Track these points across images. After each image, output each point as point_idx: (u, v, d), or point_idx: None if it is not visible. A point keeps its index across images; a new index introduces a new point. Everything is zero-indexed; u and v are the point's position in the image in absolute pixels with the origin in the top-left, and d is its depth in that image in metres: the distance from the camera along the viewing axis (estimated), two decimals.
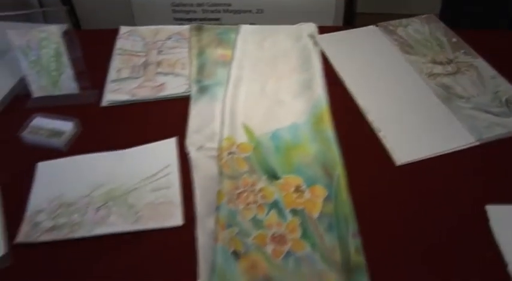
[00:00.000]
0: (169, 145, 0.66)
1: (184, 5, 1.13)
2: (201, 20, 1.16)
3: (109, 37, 0.88)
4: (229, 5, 1.12)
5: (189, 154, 0.65)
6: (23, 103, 0.78)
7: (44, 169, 0.67)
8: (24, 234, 0.58)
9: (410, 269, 0.53)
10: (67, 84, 0.74)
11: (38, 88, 0.74)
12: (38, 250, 0.58)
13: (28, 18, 1.25)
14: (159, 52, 0.82)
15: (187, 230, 0.58)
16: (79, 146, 0.70)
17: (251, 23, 0.89)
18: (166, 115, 0.73)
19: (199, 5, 1.13)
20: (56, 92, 0.75)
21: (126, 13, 1.16)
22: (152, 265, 0.55)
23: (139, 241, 0.57)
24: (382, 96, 0.71)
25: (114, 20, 1.02)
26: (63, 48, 0.70)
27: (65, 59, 0.71)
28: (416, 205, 0.59)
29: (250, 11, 1.12)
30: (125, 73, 0.78)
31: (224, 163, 0.63)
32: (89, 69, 0.78)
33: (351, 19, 1.10)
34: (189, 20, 1.16)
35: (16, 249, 0.57)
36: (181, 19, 1.15)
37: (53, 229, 0.59)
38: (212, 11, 1.13)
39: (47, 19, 1.24)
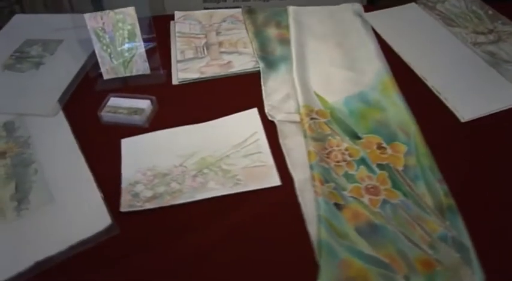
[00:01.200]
0: (252, 114, 0.71)
1: None
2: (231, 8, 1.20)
3: (160, 22, 0.91)
4: None
5: (273, 121, 0.70)
6: (90, 85, 0.80)
7: (129, 144, 0.70)
8: (127, 204, 0.62)
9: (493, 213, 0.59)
10: (139, 65, 0.77)
11: (110, 70, 0.77)
12: (141, 218, 0.61)
13: (56, 6, 1.26)
14: (218, 33, 0.86)
15: (285, 189, 0.62)
16: (157, 122, 0.73)
17: None
18: (237, 89, 0.77)
19: None
20: (127, 73, 0.78)
21: (155, 1, 1.19)
22: (260, 222, 0.59)
23: (242, 202, 0.61)
24: (436, 64, 0.78)
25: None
26: (137, 30, 0.73)
27: (139, 40, 0.74)
28: (485, 156, 0.65)
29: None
30: (189, 54, 0.82)
31: (308, 127, 0.68)
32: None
33: (374, 2, 1.17)
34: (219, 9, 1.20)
35: (120, 218, 0.60)
36: (212, 8, 1.18)
37: (154, 197, 0.62)
38: (243, 0, 1.17)
39: (73, 7, 1.26)
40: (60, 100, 0.78)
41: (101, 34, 0.74)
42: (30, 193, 0.67)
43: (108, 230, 0.60)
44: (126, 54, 0.75)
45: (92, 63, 0.84)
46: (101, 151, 0.70)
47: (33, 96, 0.81)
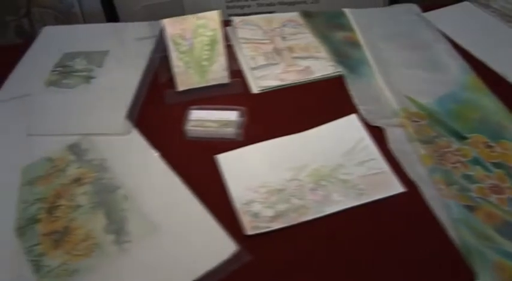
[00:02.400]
0: (352, 121, 0.68)
1: (238, 0, 1.12)
2: (255, 14, 1.16)
3: None
4: None
5: (373, 126, 0.67)
6: (156, 98, 0.75)
7: (227, 160, 0.65)
8: (251, 226, 0.56)
9: None
10: (218, 74, 0.71)
11: (184, 81, 0.71)
12: (265, 239, 0.56)
13: (68, 20, 1.16)
14: (283, 38, 0.82)
15: (409, 195, 0.59)
16: (247, 134, 0.68)
17: None
18: (320, 95, 0.74)
19: None
20: (203, 84, 0.72)
21: (175, 7, 1.12)
22: (395, 230, 0.56)
23: (369, 212, 0.58)
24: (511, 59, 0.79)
25: (162, 14, 0.99)
26: (220, 36, 0.67)
27: (221, 47, 0.68)
28: None
29: (305, 2, 1.14)
30: (260, 60, 0.78)
31: (414, 131, 0.66)
32: None
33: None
34: (243, 15, 1.15)
35: (243, 242, 0.55)
36: (235, 15, 1.14)
37: (277, 216, 0.58)
38: (267, 5, 1.14)
39: (85, 20, 1.17)
40: (128, 116, 0.71)
41: (178, 41, 0.68)
42: (127, 223, 0.60)
43: (236, 257, 0.55)
44: (205, 62, 0.70)
45: (151, 73, 0.78)
46: (193, 169, 0.64)
47: (96, 114, 0.73)
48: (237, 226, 0.57)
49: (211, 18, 0.68)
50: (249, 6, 1.15)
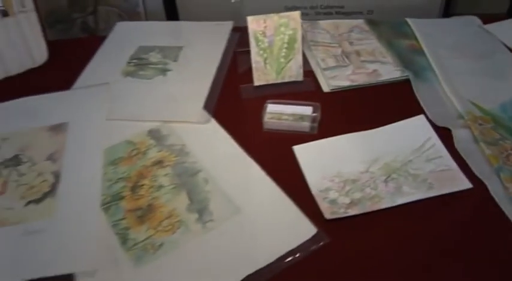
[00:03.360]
0: (420, 121, 0.71)
1: (297, 8, 1.17)
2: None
3: None
4: (342, 7, 1.18)
5: (440, 126, 0.70)
6: (231, 92, 0.79)
7: (303, 151, 0.69)
8: (329, 211, 0.60)
9: None
10: (293, 71, 0.76)
11: (261, 76, 0.75)
12: (341, 224, 0.59)
13: (131, 18, 1.22)
14: (350, 43, 0.87)
15: (476, 191, 0.62)
16: (320, 129, 0.72)
17: None
18: (387, 97, 0.78)
19: (312, 7, 1.19)
20: (278, 80, 0.77)
21: (234, 12, 1.18)
22: (465, 225, 0.59)
23: (439, 206, 0.61)
24: None
25: (221, 17, 1.05)
26: (299, 34, 0.72)
27: (299, 45, 0.73)
28: None
29: (361, 13, 1.18)
30: (330, 62, 0.83)
31: (479, 133, 0.69)
32: None
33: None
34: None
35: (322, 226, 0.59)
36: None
37: (353, 204, 0.61)
38: (325, 13, 1.18)
39: (148, 18, 1.22)
40: (205, 107, 0.75)
41: (260, 38, 0.72)
42: (210, 204, 0.63)
43: (316, 239, 0.58)
44: (282, 60, 0.74)
45: (226, 69, 0.84)
46: (270, 158, 0.68)
47: (174, 104, 0.79)
48: (315, 211, 0.61)
49: (293, 18, 0.73)
50: (307, 14, 1.20)
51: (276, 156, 0.69)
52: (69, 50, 0.98)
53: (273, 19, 0.72)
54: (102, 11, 1.27)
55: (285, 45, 0.74)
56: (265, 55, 0.75)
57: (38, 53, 0.93)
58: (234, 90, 0.81)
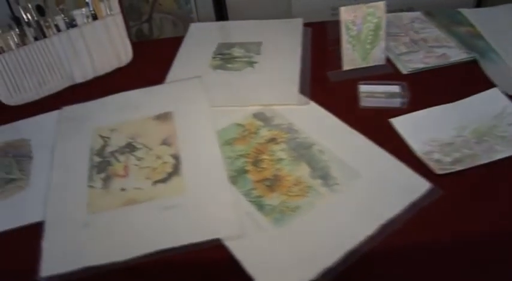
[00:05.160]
0: (495, 92, 0.81)
1: (343, 5, 1.26)
2: None
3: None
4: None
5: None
6: (319, 77, 0.88)
7: (401, 122, 0.78)
8: (438, 168, 0.69)
9: None
10: (377, 56, 0.85)
11: (349, 61, 0.83)
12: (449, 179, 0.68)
13: (185, 25, 1.28)
14: (415, 32, 0.97)
15: None
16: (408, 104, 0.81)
17: None
18: (461, 76, 0.87)
19: None
20: (363, 65, 0.86)
21: (282, 12, 1.26)
22: None
23: None
24: None
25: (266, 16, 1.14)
26: (383, 22, 0.81)
27: (382, 32, 0.82)
28: None
29: (401, 10, 1.27)
30: (402, 48, 0.93)
31: None
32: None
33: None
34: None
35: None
36: (322, 21, 1.25)
37: (456, 161, 0.71)
38: None
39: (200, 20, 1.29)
40: (301, 91, 0.84)
41: (350, 27, 0.81)
42: (330, 170, 0.71)
43: (430, 193, 0.67)
44: (368, 46, 0.83)
45: (308, 57, 0.92)
46: (371, 129, 0.77)
47: (270, 90, 0.87)
48: (423, 170, 0.69)
49: (378, 7, 0.82)
50: None
51: (375, 127, 0.78)
52: (149, 51, 1.06)
53: (362, 9, 0.81)
54: (156, 19, 1.34)
55: (371, 33, 0.84)
56: (353, 42, 0.84)
57: (123, 53, 1.01)
58: (322, 76, 0.90)
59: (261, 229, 0.65)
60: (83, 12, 0.93)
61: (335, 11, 1.34)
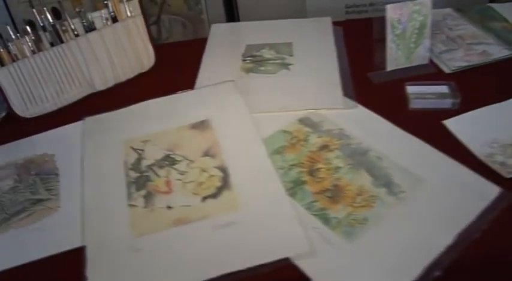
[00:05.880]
0: None
1: (357, 5, 1.23)
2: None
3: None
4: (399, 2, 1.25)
5: None
6: (360, 78, 0.84)
7: (455, 124, 0.74)
8: (505, 171, 0.66)
9: None
10: (421, 55, 0.82)
11: (392, 61, 0.80)
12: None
13: (194, 26, 1.22)
14: (449, 29, 0.94)
15: None
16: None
17: None
18: (505, 73, 0.84)
19: (371, 4, 1.25)
20: (407, 64, 0.82)
21: (296, 12, 1.22)
22: None
23: None
24: None
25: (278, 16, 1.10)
26: (429, 20, 0.78)
27: (428, 30, 0.79)
28: None
29: None
30: (440, 47, 0.89)
31: None
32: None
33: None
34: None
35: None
36: (353, 19, 1.22)
37: None
38: (383, 10, 1.23)
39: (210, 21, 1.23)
40: (346, 94, 0.80)
41: (395, 25, 0.77)
42: (393, 177, 0.67)
43: (501, 198, 0.63)
44: (412, 45, 0.79)
45: (345, 58, 0.88)
46: (424, 132, 0.73)
47: (313, 93, 0.82)
48: (488, 174, 0.66)
49: (425, 5, 0.78)
50: (366, 11, 1.26)
51: (427, 130, 0.74)
52: (170, 54, 0.99)
53: (408, 6, 0.77)
54: (165, 20, 1.27)
55: (416, 31, 0.80)
56: (398, 41, 0.80)
57: (146, 57, 0.94)
58: (362, 76, 0.86)
59: (332, 244, 0.60)
60: (102, 15, 0.87)
61: (349, 9, 1.36)
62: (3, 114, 0.87)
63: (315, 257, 0.59)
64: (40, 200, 0.72)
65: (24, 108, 0.85)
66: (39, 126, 0.85)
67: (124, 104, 0.86)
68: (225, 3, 1.28)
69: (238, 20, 1.30)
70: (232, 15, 1.31)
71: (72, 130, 0.83)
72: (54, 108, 0.87)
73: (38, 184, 0.75)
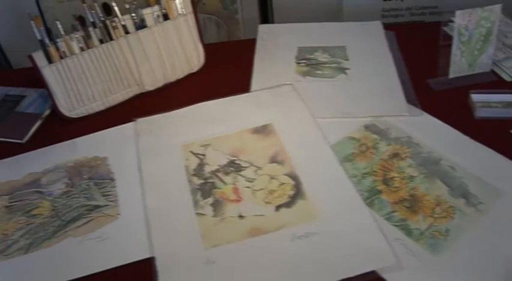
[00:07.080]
0: None
1: (394, 9, 1.22)
2: (407, 22, 1.26)
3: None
4: (435, 7, 1.24)
5: None
6: (419, 86, 0.82)
7: None
8: None
9: None
10: (484, 63, 0.80)
11: (456, 69, 0.78)
12: None
13: (228, 26, 1.19)
14: (504, 36, 0.91)
15: None
16: None
17: None
18: None
19: (407, 9, 1.24)
20: (469, 72, 0.81)
21: (330, 14, 1.21)
22: None
23: None
24: None
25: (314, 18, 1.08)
26: (496, 27, 0.76)
27: (493, 37, 0.77)
28: None
29: (453, 12, 1.24)
30: (499, 54, 0.86)
31: None
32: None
33: None
34: (396, 23, 1.25)
35: None
36: (389, 23, 1.18)
37: None
38: (419, 14, 1.24)
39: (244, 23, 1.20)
40: (409, 101, 0.78)
41: (462, 32, 0.76)
42: (470, 188, 0.65)
43: None
44: (476, 52, 0.78)
45: (403, 64, 0.86)
46: (493, 142, 0.71)
47: (376, 100, 0.79)
48: None
49: (494, 11, 0.77)
50: (402, 15, 1.25)
51: (496, 139, 0.72)
52: (219, 55, 0.94)
53: (477, 13, 0.76)
54: (199, 19, 1.23)
55: (481, 38, 0.79)
56: (463, 48, 0.78)
57: (196, 57, 0.91)
58: (422, 83, 0.83)
59: (417, 257, 0.57)
60: (154, 11, 0.84)
61: (385, 13, 1.34)
62: (47, 113, 0.84)
63: (402, 271, 0.57)
64: (97, 207, 0.68)
65: (71, 107, 0.81)
66: (85, 127, 0.81)
67: (174, 105, 0.83)
68: (260, 3, 1.27)
69: (273, 21, 1.30)
70: (266, 15, 1.31)
71: (124, 132, 0.79)
72: (102, 108, 0.83)
73: (93, 188, 0.71)
